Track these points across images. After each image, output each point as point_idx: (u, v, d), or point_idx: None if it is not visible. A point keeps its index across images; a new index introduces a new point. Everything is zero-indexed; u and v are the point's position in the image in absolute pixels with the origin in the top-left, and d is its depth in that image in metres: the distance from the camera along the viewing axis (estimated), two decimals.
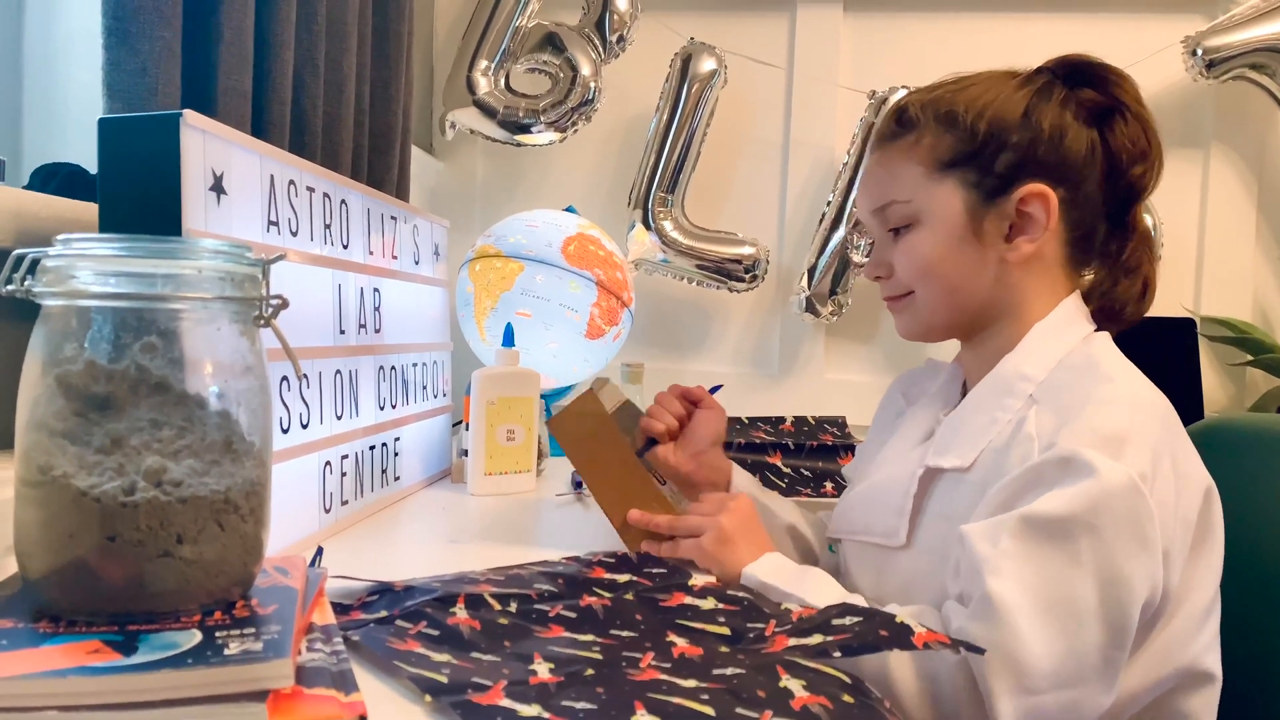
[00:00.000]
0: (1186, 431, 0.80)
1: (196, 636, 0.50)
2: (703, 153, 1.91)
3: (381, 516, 1.09)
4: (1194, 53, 1.71)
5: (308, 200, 0.94)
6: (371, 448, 1.09)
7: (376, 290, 1.12)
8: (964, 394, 0.93)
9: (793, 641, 0.62)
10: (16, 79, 1.23)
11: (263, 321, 0.60)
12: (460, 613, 0.67)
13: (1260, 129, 1.88)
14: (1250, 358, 1.83)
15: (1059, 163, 0.84)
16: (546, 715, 0.51)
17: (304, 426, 0.92)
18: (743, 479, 1.07)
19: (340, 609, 0.69)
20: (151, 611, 0.53)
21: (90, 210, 0.89)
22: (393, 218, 1.19)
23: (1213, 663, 0.78)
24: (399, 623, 0.65)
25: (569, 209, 1.72)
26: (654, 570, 0.82)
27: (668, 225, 1.89)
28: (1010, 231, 0.85)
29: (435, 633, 0.64)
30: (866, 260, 1.00)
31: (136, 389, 0.54)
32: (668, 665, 0.59)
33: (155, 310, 0.55)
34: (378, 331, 1.12)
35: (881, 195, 0.90)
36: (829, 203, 1.89)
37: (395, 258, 1.19)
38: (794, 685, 0.55)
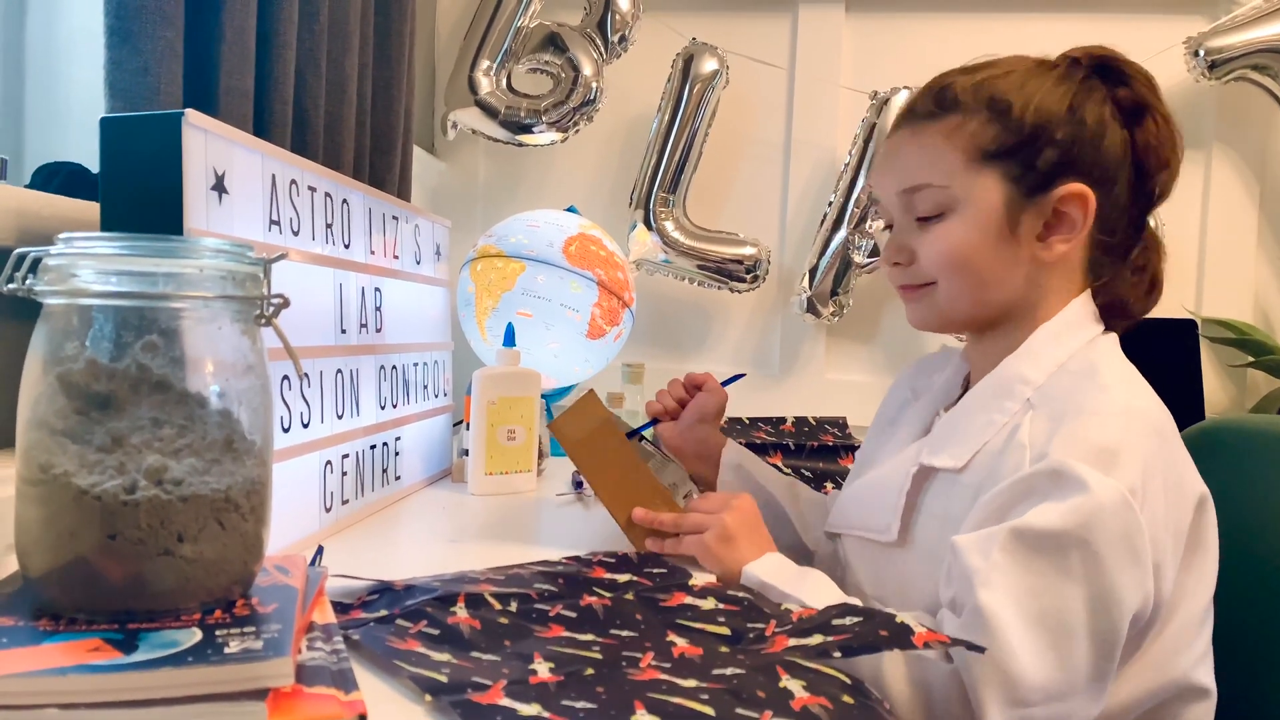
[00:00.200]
0: (1187, 433, 0.80)
1: (197, 635, 0.50)
2: (704, 153, 1.91)
3: (382, 516, 1.09)
4: (1196, 54, 1.71)
5: (309, 200, 0.95)
6: (372, 447, 1.10)
7: (378, 290, 1.12)
8: (965, 390, 0.93)
9: (793, 642, 0.62)
10: (19, 78, 1.23)
11: (264, 320, 0.60)
12: (460, 612, 0.67)
13: (1262, 130, 1.87)
14: (1251, 359, 1.83)
15: (1097, 163, 0.82)
16: (546, 715, 0.51)
17: (305, 426, 0.92)
18: (731, 450, 1.11)
19: (340, 608, 0.69)
20: (152, 610, 0.53)
21: (92, 209, 0.89)
22: (394, 217, 1.19)
23: (1206, 677, 0.78)
24: (399, 622, 0.65)
25: (570, 209, 1.72)
26: (654, 570, 0.82)
27: (669, 225, 1.89)
28: (1044, 230, 0.83)
29: (435, 632, 0.64)
30: (876, 247, 0.99)
31: (137, 388, 0.54)
32: (668, 665, 0.59)
33: (156, 309, 0.55)
34: (379, 331, 1.12)
35: (913, 176, 0.86)
36: (830, 203, 1.88)
37: (396, 257, 1.20)
38: (794, 685, 0.55)
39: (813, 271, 1.89)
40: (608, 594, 0.73)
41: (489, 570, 0.80)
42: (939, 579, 0.76)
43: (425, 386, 1.30)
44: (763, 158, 2.02)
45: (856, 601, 0.77)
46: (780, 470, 1.20)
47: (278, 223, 0.88)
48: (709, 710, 0.51)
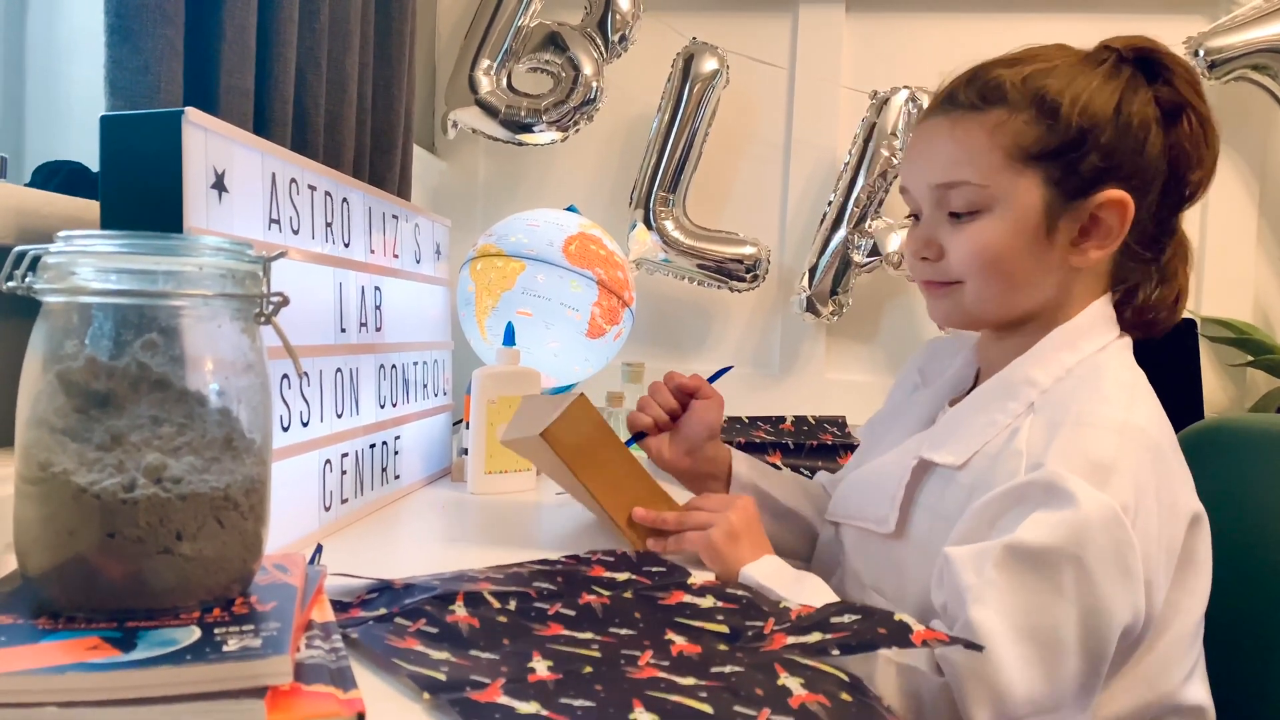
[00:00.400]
0: (1186, 433, 0.80)
1: (195, 633, 0.50)
2: (704, 152, 1.91)
3: (381, 515, 1.09)
4: (1196, 53, 1.71)
5: (309, 198, 0.95)
6: (372, 446, 1.10)
7: (378, 289, 1.12)
8: (974, 385, 0.92)
9: (791, 639, 0.62)
10: (19, 76, 1.23)
11: (263, 319, 0.60)
12: (459, 610, 0.67)
13: (1262, 130, 1.87)
14: (1251, 358, 1.83)
15: (1137, 168, 0.81)
16: (545, 713, 0.51)
17: (304, 424, 0.92)
18: (742, 464, 1.06)
19: (340, 606, 0.69)
20: (151, 608, 0.53)
21: (92, 208, 0.89)
22: (394, 216, 1.19)
23: (1198, 695, 0.78)
24: (398, 620, 0.65)
25: (570, 208, 1.72)
26: (653, 569, 0.82)
27: (669, 225, 1.89)
28: (1079, 235, 0.82)
29: (434, 630, 0.64)
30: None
31: (137, 386, 0.54)
32: (666, 663, 0.59)
33: (156, 307, 0.55)
34: (378, 330, 1.12)
35: (950, 171, 0.83)
36: (830, 203, 1.89)
37: (396, 256, 1.20)
38: (792, 683, 0.55)
39: (812, 271, 1.89)
40: (606, 592, 0.73)
41: (488, 569, 0.80)
42: (931, 579, 0.76)
43: (425, 385, 1.30)
44: (763, 157, 2.03)
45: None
46: (780, 469, 1.20)
47: (278, 221, 0.88)
48: (707, 708, 0.51)
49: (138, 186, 0.72)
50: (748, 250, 1.89)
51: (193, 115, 0.73)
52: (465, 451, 1.25)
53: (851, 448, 1.47)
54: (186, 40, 0.95)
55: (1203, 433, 1.02)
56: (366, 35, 1.41)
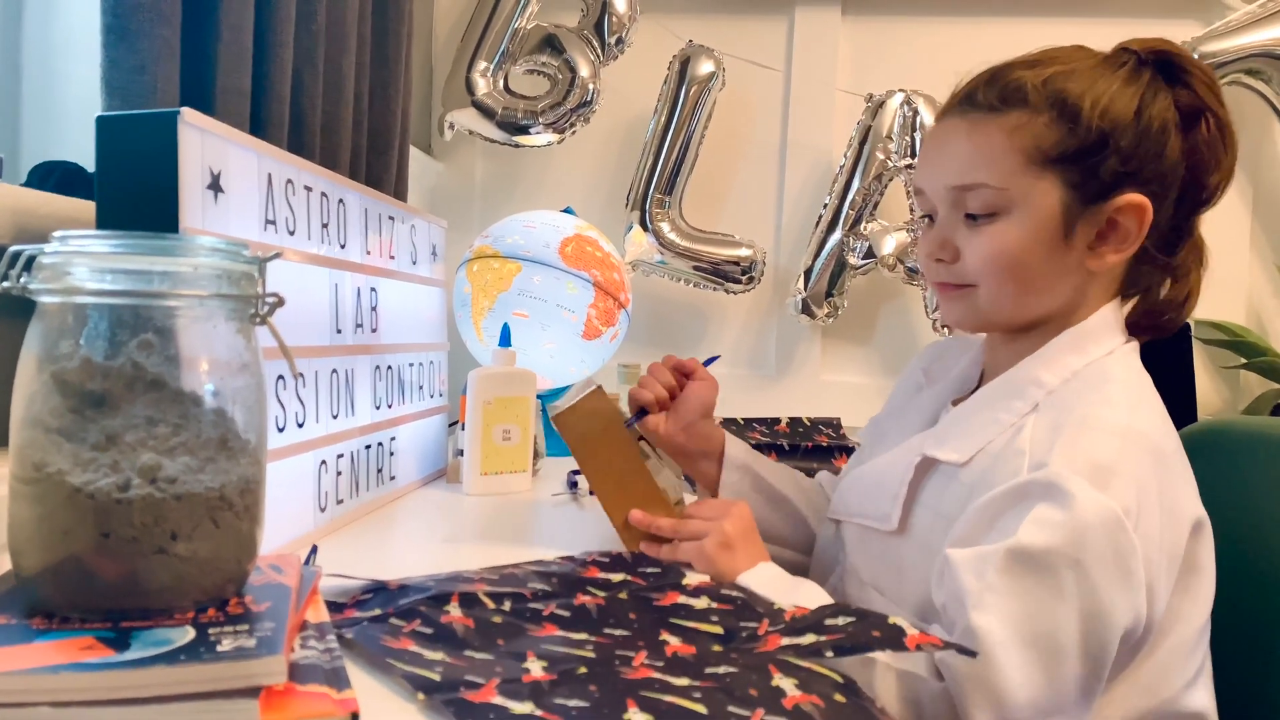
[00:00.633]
0: (1180, 435, 0.80)
1: (190, 633, 0.50)
2: (700, 155, 1.92)
3: (377, 516, 1.09)
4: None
5: (305, 199, 0.95)
6: (367, 447, 1.10)
7: (373, 290, 1.12)
8: (979, 385, 0.92)
9: (785, 641, 0.62)
10: (15, 76, 1.23)
11: (259, 319, 0.60)
12: (454, 611, 0.67)
13: (1255, 135, 1.88)
14: (1244, 361, 1.84)
15: (1156, 172, 0.80)
16: (539, 713, 0.51)
17: (300, 425, 0.92)
18: (736, 447, 1.06)
19: (335, 607, 0.69)
20: (145, 608, 0.53)
21: (88, 208, 0.89)
22: (390, 217, 1.19)
23: (1202, 701, 0.78)
24: (393, 621, 0.65)
25: (567, 210, 1.72)
26: (648, 569, 0.82)
27: (665, 227, 1.89)
28: (1096, 240, 0.81)
29: (429, 631, 0.64)
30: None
31: (132, 386, 0.54)
32: (660, 664, 0.59)
33: (151, 307, 0.55)
34: (374, 331, 1.12)
35: (968, 173, 0.82)
36: (825, 205, 1.89)
37: (393, 257, 1.20)
38: (786, 684, 0.55)
39: (808, 273, 1.89)
40: (601, 593, 0.73)
41: (483, 570, 0.80)
42: (931, 578, 0.76)
43: (421, 387, 1.30)
44: (759, 159, 2.03)
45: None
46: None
47: (273, 222, 0.88)
48: (701, 709, 0.52)
49: (133, 187, 0.72)
50: (743, 252, 1.89)
51: (189, 115, 0.73)
52: (461, 453, 1.25)
53: (846, 449, 1.47)
54: (183, 40, 0.95)
55: (1196, 435, 1.02)
56: (363, 36, 1.41)
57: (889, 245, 1.83)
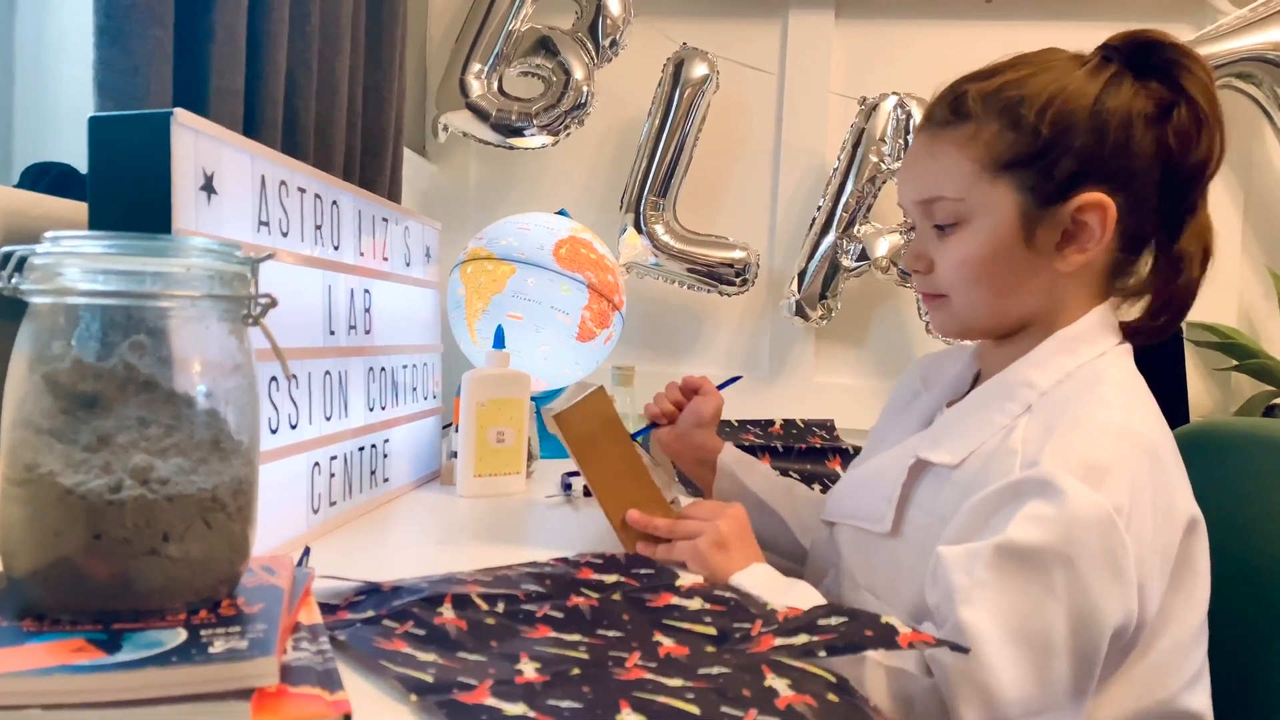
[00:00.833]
0: (1176, 439, 0.80)
1: (181, 635, 0.50)
2: (694, 157, 1.92)
3: (370, 518, 1.09)
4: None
5: (299, 201, 0.95)
6: (361, 449, 1.09)
7: (367, 291, 1.12)
8: (973, 387, 0.93)
9: (778, 641, 0.62)
10: (8, 77, 1.22)
11: (251, 320, 0.60)
12: (447, 612, 0.67)
13: (1246, 139, 1.89)
14: (1235, 363, 1.85)
15: (1120, 169, 0.80)
16: (532, 714, 0.51)
17: (293, 427, 0.92)
18: (728, 455, 1.12)
19: (327, 609, 0.69)
20: (137, 610, 0.53)
21: (80, 209, 0.88)
22: (384, 219, 1.19)
23: (1199, 702, 0.77)
24: (385, 622, 0.65)
25: (561, 212, 1.72)
26: (641, 571, 0.82)
27: (659, 229, 1.89)
28: (1061, 240, 0.81)
29: (422, 632, 0.64)
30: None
31: (124, 387, 0.54)
32: (654, 665, 0.59)
33: (143, 308, 0.55)
34: (368, 333, 1.12)
35: (929, 187, 0.85)
36: (819, 207, 1.89)
37: (386, 259, 1.20)
38: (779, 684, 0.55)
39: (801, 275, 1.89)
40: (595, 594, 0.73)
41: (476, 571, 0.80)
42: (925, 578, 0.77)
43: (414, 389, 1.30)
44: (752, 162, 2.03)
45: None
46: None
47: (267, 224, 0.88)
48: (694, 709, 0.52)
49: (126, 188, 0.72)
50: (737, 254, 1.90)
51: (182, 116, 0.72)
52: (454, 455, 1.25)
53: (840, 451, 1.47)
54: (176, 42, 0.95)
55: (1188, 436, 1.02)
56: (357, 38, 1.41)
57: (882, 248, 1.84)
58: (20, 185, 1.03)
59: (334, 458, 1.02)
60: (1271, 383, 1.83)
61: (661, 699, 0.53)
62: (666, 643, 0.64)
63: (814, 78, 1.98)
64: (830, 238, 1.86)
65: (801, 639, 0.61)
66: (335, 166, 1.31)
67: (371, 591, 0.73)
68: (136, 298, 0.55)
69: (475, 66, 1.85)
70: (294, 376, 0.92)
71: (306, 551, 0.85)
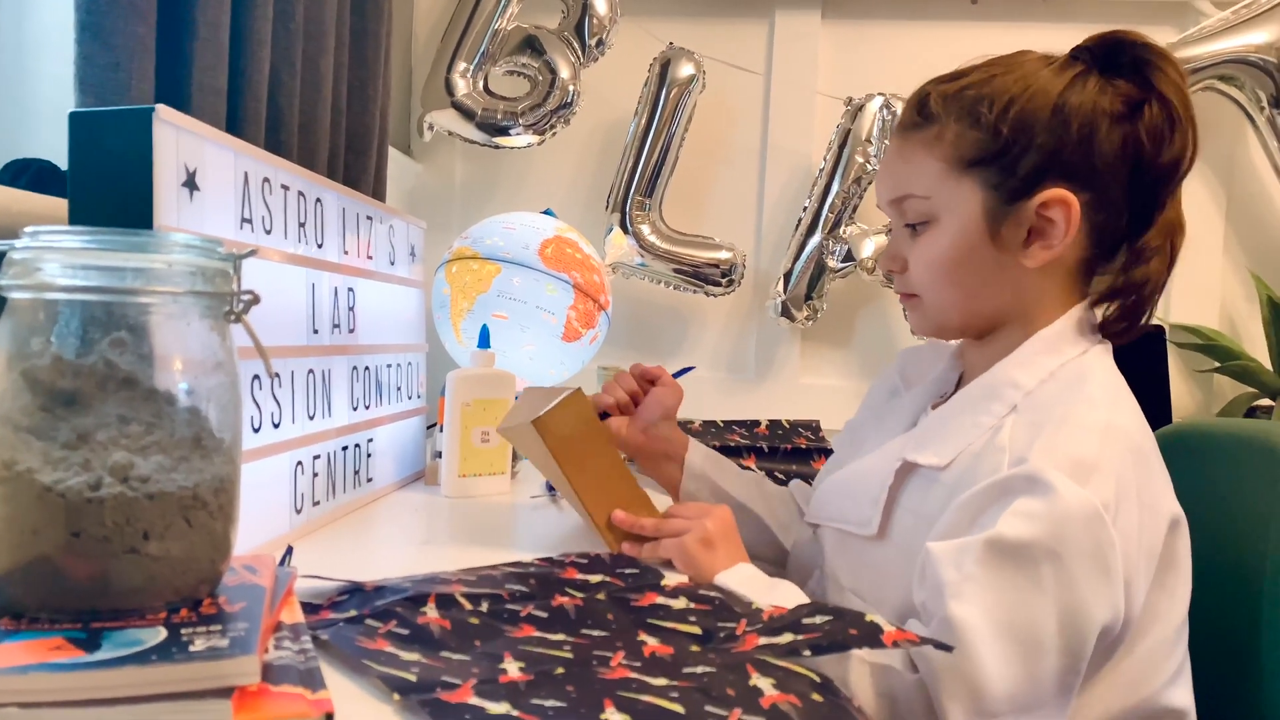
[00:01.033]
0: (1158, 440, 0.81)
1: (162, 633, 0.50)
2: (681, 157, 1.92)
3: (354, 518, 1.09)
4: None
5: (282, 198, 0.94)
6: (344, 448, 1.09)
7: (351, 290, 1.11)
8: (957, 388, 0.93)
9: (763, 640, 0.62)
10: None
11: (233, 317, 0.60)
12: (431, 612, 0.66)
13: (1228, 141, 1.91)
14: (1217, 364, 1.86)
15: (1085, 165, 0.80)
16: (516, 713, 0.51)
17: (275, 426, 0.91)
18: (696, 454, 1.08)
19: (310, 609, 0.68)
20: (117, 608, 0.53)
21: (61, 206, 0.88)
22: (368, 218, 1.19)
23: (1181, 698, 0.78)
24: (368, 622, 0.65)
25: (547, 212, 1.72)
26: (626, 570, 0.82)
27: (645, 229, 1.89)
28: (1028, 236, 0.82)
29: (405, 632, 0.63)
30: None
31: (104, 384, 0.54)
32: (638, 664, 0.59)
33: (124, 304, 0.54)
34: (352, 331, 1.11)
35: (899, 187, 0.87)
36: (805, 208, 1.90)
37: (370, 258, 1.19)
38: (763, 684, 0.55)
39: (787, 276, 1.90)
40: (579, 594, 0.73)
41: (460, 571, 0.80)
42: (913, 578, 0.77)
43: (399, 388, 1.29)
44: (739, 162, 2.03)
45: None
46: (758, 471, 1.20)
47: (250, 221, 0.87)
48: (678, 708, 0.51)
49: (107, 184, 0.72)
50: (723, 255, 1.90)
51: (164, 113, 0.72)
52: (439, 455, 1.25)
53: (825, 451, 1.47)
54: (159, 37, 0.94)
55: (1170, 437, 1.03)
56: (342, 36, 1.41)
57: (868, 248, 1.84)
58: None
59: (317, 457, 1.01)
60: (1253, 384, 1.85)
61: (646, 698, 0.53)
62: (651, 642, 0.64)
63: (800, 78, 1.98)
64: (816, 238, 1.87)
65: (786, 638, 0.61)
66: (319, 164, 1.31)
67: (354, 591, 0.72)
68: (117, 294, 0.54)
69: (461, 65, 1.84)
70: (277, 375, 0.91)
71: (289, 551, 0.85)
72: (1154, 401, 1.69)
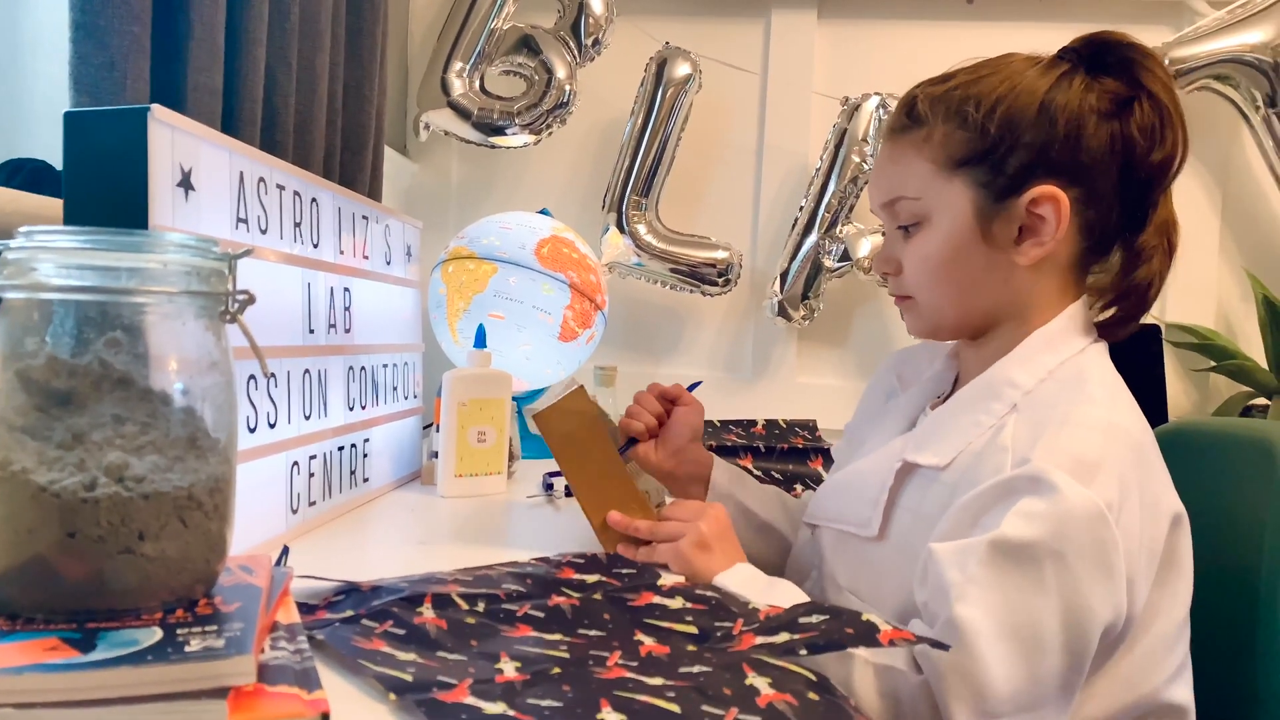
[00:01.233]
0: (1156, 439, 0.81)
1: (157, 634, 0.50)
2: (677, 157, 1.92)
3: (350, 518, 1.09)
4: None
5: (277, 198, 0.94)
6: (340, 448, 1.09)
7: (347, 290, 1.11)
8: (955, 388, 0.93)
9: (760, 640, 0.62)
10: None
11: (229, 317, 0.60)
12: (427, 612, 0.66)
13: (1224, 141, 1.91)
14: (1213, 364, 1.86)
15: (1073, 162, 0.81)
16: (512, 713, 0.51)
17: (271, 426, 0.91)
18: (721, 474, 1.07)
19: (306, 609, 0.68)
20: (112, 609, 0.53)
21: (56, 206, 0.88)
22: (364, 217, 1.19)
23: (1181, 695, 0.78)
24: (365, 622, 0.65)
25: (543, 211, 1.72)
26: (623, 570, 0.82)
27: (642, 229, 1.89)
28: (1020, 234, 0.82)
29: (401, 632, 0.63)
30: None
31: (99, 384, 0.53)
32: (635, 664, 0.59)
33: (119, 304, 0.54)
34: (348, 331, 1.11)
35: (890, 190, 0.88)
36: (802, 208, 1.90)
37: (366, 258, 1.19)
38: (760, 683, 0.55)
39: (784, 275, 1.90)
40: (576, 594, 0.73)
41: (457, 571, 0.80)
42: (913, 576, 0.77)
43: (395, 388, 1.29)
44: (735, 162, 2.03)
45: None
46: (750, 473, 1.20)
47: (245, 221, 0.87)
48: (675, 708, 0.51)
49: (102, 184, 0.72)
50: (720, 254, 1.90)
51: (159, 112, 0.72)
52: (435, 455, 1.25)
53: (822, 451, 1.47)
54: (154, 37, 0.94)
55: (1166, 436, 1.03)
56: (338, 35, 1.41)
57: (864, 248, 1.84)
58: None
59: (313, 457, 1.01)
60: (1248, 383, 1.85)
61: (642, 698, 0.53)
62: (648, 642, 0.64)
63: (796, 77, 1.98)
64: (813, 238, 1.87)
65: (782, 637, 0.61)
66: (315, 164, 1.30)
67: (351, 591, 0.72)
68: (112, 293, 0.54)
69: (457, 65, 1.84)
70: (272, 375, 0.91)
71: (285, 551, 0.85)
72: (1150, 401, 1.69)
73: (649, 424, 1.07)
